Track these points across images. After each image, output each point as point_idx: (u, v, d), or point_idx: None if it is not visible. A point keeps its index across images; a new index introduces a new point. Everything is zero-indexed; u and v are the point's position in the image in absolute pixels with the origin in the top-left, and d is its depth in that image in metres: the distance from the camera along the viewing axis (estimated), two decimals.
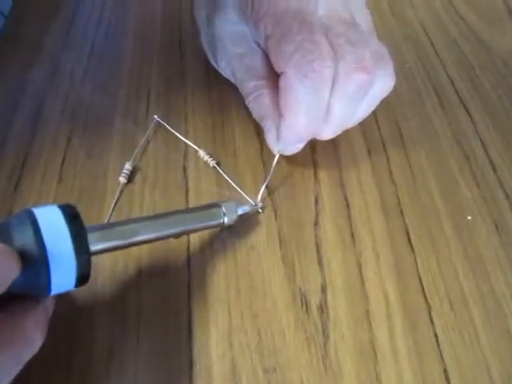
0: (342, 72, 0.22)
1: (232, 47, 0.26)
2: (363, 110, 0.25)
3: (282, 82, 0.23)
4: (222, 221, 0.24)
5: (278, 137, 0.24)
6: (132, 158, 0.28)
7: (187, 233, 0.24)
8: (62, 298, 0.20)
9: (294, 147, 0.25)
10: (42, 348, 0.18)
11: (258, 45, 0.26)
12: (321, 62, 0.21)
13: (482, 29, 0.38)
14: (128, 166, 0.27)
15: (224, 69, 0.29)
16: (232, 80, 0.28)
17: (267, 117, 0.25)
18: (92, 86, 0.32)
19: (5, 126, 0.29)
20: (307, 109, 0.22)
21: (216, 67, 0.30)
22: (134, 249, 0.24)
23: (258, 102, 0.25)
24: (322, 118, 0.23)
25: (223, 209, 0.24)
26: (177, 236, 0.24)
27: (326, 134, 0.25)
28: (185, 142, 0.29)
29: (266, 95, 0.25)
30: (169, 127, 0.30)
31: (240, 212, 0.25)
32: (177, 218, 0.22)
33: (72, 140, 0.28)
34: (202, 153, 0.28)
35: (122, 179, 0.27)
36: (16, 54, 0.34)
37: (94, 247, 0.19)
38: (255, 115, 0.26)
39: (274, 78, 0.24)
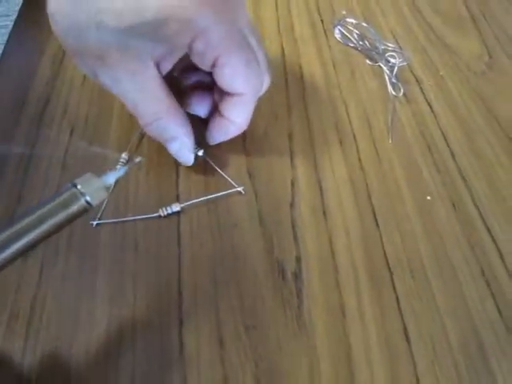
0: None
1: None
2: None
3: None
4: (84, 201, 0.19)
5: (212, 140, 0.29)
6: (128, 149, 0.31)
7: (49, 234, 0.19)
8: None
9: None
10: None
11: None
12: None
13: (447, 34, 0.42)
14: (124, 156, 0.30)
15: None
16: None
17: (179, 136, 0.27)
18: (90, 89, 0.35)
19: (12, 122, 0.32)
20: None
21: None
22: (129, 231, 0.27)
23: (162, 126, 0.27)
24: None
25: (79, 187, 0.19)
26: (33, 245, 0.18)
27: None
28: None
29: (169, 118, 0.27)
30: None
31: (109, 181, 0.20)
32: (25, 223, 0.18)
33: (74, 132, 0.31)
34: None
35: (119, 167, 0.30)
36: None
37: None
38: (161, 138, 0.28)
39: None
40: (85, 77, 0.35)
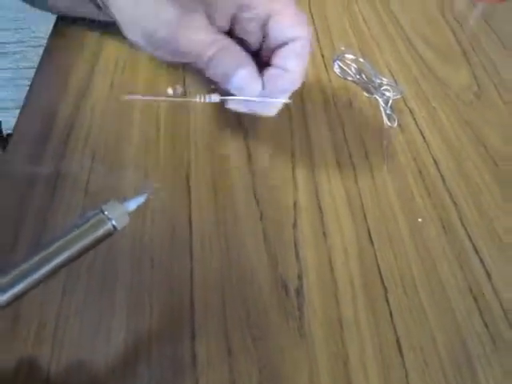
0: None
1: None
2: None
3: None
4: (110, 226, 0.21)
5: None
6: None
7: (77, 256, 0.21)
8: None
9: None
10: None
11: None
12: None
13: (438, 66, 0.45)
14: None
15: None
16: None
17: (243, 64, 0.28)
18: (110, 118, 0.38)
19: (40, 148, 0.35)
20: None
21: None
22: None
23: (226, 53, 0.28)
24: None
25: (106, 213, 0.21)
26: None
27: None
28: None
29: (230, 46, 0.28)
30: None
31: (132, 207, 0.22)
32: (56, 246, 0.20)
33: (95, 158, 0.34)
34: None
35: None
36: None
37: None
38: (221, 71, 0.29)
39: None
40: (106, 104, 0.38)
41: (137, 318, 0.27)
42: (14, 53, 2.00)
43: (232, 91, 0.30)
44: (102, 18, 0.39)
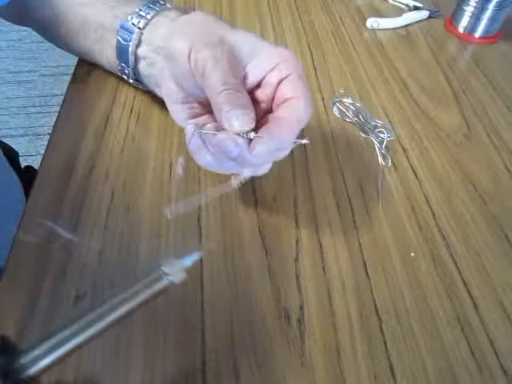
0: None
1: None
2: None
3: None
4: (167, 281, 0.23)
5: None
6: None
7: (134, 310, 0.23)
8: None
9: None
10: None
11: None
12: None
13: (431, 108, 0.48)
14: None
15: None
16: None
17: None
18: (126, 159, 0.41)
19: (62, 187, 0.39)
20: None
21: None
22: None
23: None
24: None
25: (165, 269, 0.23)
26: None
27: None
28: None
29: None
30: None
31: (187, 264, 0.24)
32: (117, 300, 0.22)
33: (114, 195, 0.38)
34: None
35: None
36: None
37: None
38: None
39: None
40: (122, 148, 0.41)
41: (152, 349, 0.30)
42: (27, 82, 2.07)
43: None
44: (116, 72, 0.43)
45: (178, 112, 0.35)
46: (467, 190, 0.40)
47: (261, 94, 0.33)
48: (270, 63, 0.32)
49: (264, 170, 0.33)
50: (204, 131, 0.32)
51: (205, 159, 0.32)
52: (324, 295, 0.33)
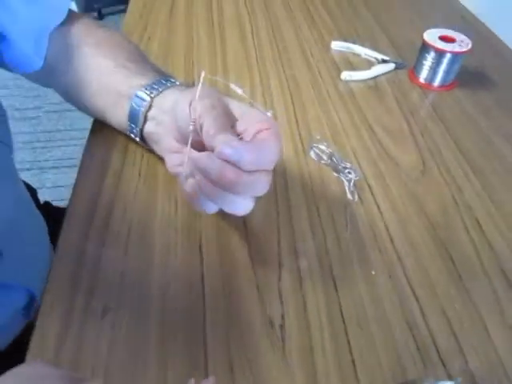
0: None
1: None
2: None
3: None
4: None
5: None
6: None
7: None
8: None
9: None
10: None
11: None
12: None
13: (392, 149, 0.58)
14: None
15: None
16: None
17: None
18: (140, 197, 0.50)
19: (86, 223, 0.47)
20: None
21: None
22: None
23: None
24: None
25: None
26: None
27: None
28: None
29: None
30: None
31: None
32: None
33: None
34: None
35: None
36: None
37: None
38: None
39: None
40: (136, 187, 0.50)
41: (166, 366, 0.38)
42: (32, 118, 2.18)
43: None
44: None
45: (172, 160, 0.43)
46: (420, 219, 0.49)
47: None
48: (253, 120, 0.38)
49: (245, 210, 0.39)
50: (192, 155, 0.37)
51: (199, 200, 0.39)
52: (300, 307, 0.41)
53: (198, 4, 0.90)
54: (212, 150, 0.36)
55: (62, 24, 0.52)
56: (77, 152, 1.91)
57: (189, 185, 0.39)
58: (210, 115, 0.37)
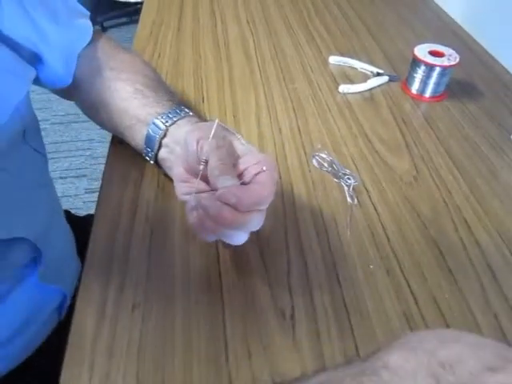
0: None
1: None
2: None
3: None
4: None
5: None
6: None
7: None
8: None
9: None
10: None
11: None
12: None
13: (388, 156, 0.63)
14: None
15: None
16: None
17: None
18: (160, 204, 0.55)
19: (112, 228, 0.52)
20: None
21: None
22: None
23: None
24: None
25: None
26: None
27: None
28: None
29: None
30: None
31: None
32: None
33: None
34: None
35: None
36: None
37: None
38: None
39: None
40: (156, 196, 0.55)
41: (186, 336, 0.43)
42: None
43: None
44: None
45: (181, 189, 0.47)
46: (413, 219, 0.54)
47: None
48: (253, 160, 0.42)
49: (240, 241, 0.44)
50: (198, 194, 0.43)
51: (203, 228, 0.42)
52: (308, 298, 0.46)
53: (204, 19, 0.96)
54: (216, 187, 0.41)
55: (89, 44, 0.57)
56: (83, 162, 1.97)
57: (193, 216, 0.43)
58: (215, 155, 0.42)
